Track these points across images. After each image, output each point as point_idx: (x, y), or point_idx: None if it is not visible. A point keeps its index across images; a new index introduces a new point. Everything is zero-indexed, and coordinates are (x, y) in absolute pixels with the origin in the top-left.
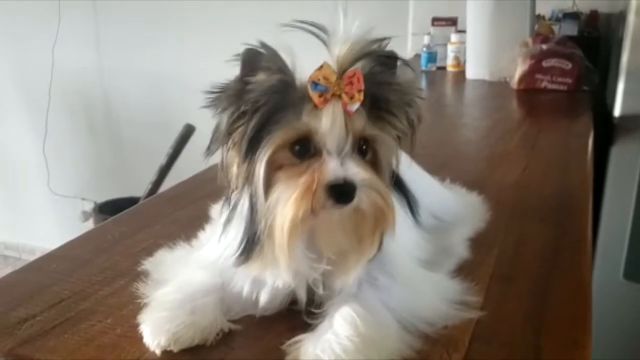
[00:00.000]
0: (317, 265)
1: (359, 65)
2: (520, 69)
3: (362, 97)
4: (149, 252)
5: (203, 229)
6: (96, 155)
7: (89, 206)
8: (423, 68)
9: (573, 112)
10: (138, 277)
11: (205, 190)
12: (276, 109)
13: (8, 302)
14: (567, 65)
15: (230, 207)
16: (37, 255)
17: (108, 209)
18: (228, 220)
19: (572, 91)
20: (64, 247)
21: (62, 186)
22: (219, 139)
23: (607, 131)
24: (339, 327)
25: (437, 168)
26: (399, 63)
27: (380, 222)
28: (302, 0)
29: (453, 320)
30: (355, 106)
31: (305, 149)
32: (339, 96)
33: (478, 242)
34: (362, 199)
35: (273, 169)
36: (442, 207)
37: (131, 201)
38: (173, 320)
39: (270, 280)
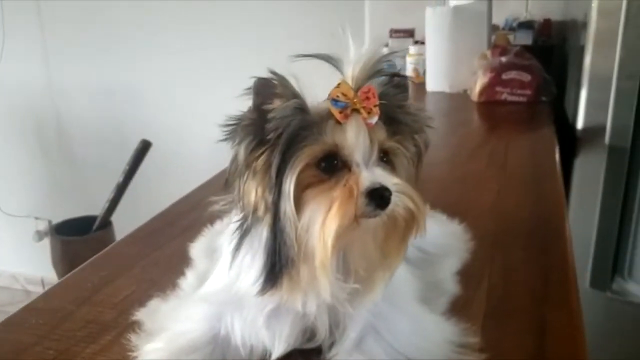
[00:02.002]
0: (345, 284)
1: (372, 82)
2: (480, 81)
3: (379, 112)
4: (132, 301)
5: (184, 274)
6: (48, 172)
7: (42, 225)
8: None
9: (535, 124)
10: (124, 331)
11: (180, 226)
12: (299, 131)
13: None
14: (527, 78)
15: (242, 233)
16: None
17: (65, 230)
18: (238, 247)
19: (531, 102)
20: (42, 297)
21: (13, 206)
22: (238, 170)
23: (569, 142)
24: None
25: None
26: (409, 85)
27: (410, 226)
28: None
29: None
30: (374, 119)
31: (331, 164)
32: (358, 111)
33: (466, 276)
34: (396, 203)
35: (300, 189)
36: (426, 238)
37: (88, 220)
38: None
39: (296, 307)
